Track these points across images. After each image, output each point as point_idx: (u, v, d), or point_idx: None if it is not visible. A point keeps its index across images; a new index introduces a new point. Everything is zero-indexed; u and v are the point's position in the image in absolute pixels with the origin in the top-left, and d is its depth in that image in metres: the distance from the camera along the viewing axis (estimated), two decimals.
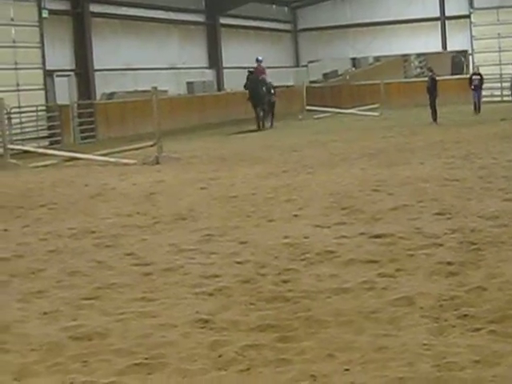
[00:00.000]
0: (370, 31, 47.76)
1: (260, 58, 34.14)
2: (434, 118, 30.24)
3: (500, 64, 43.94)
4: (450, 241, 9.05)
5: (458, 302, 6.66)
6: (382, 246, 8.98)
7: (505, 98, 42.25)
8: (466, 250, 8.58)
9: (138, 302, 7.22)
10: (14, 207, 13.80)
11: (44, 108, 29.28)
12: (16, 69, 27.84)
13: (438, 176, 14.65)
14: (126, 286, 7.83)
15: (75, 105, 30.87)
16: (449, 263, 7.98)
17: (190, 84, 38.83)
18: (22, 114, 27.92)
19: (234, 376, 5.30)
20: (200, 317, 6.58)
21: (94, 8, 32.81)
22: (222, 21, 41.98)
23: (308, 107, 39.03)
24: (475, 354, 5.40)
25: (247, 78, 32.57)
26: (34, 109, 28.43)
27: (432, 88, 30.47)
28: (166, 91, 34.86)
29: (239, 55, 41.60)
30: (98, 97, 32.63)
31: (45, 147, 26.00)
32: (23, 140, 26.89)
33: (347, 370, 5.26)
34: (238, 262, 8.60)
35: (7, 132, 23.67)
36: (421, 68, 54.98)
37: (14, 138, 26.12)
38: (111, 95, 33.72)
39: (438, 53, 47.36)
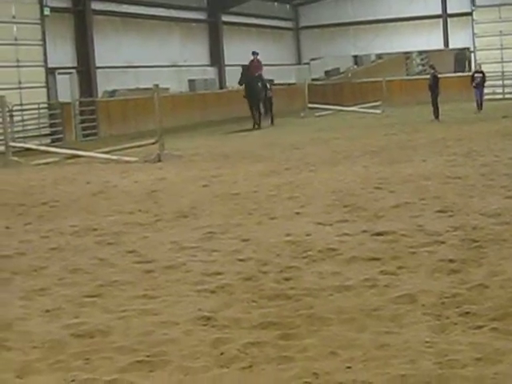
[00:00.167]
0: (372, 29, 47.74)
1: (257, 51, 33.84)
2: (436, 116, 30.23)
3: (502, 62, 43.90)
4: (451, 238, 9.05)
5: (460, 299, 6.66)
6: (384, 244, 8.98)
7: (507, 96, 42.28)
8: (468, 247, 8.58)
9: (139, 299, 7.22)
10: (16, 205, 13.80)
11: (46, 106, 29.29)
12: (18, 66, 27.83)
13: (439, 173, 14.64)
14: (127, 283, 7.83)
15: (77, 102, 30.89)
16: (451, 261, 7.98)
17: (191, 82, 38.82)
18: (24, 112, 27.93)
19: (236, 373, 5.29)
20: (202, 314, 6.58)
21: (96, 6, 32.80)
22: (224, 18, 41.97)
23: (310, 105, 38.99)
24: (477, 351, 5.40)
25: (241, 74, 32.43)
26: (36, 106, 28.43)
27: (434, 85, 30.45)
28: (167, 89, 34.86)
29: (241, 53, 41.44)
30: (99, 94, 32.62)
31: (47, 145, 26.01)
32: (25, 138, 26.89)
33: (349, 367, 5.26)
34: (240, 260, 8.60)
35: (9, 130, 23.65)
36: (423, 65, 55.01)
37: (16, 136, 26.11)
38: (113, 93, 33.71)
39: (440, 50, 47.35)
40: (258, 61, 33.29)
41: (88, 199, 14.14)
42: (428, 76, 32.42)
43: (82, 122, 30.75)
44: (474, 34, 44.85)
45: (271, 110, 33.72)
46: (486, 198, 11.74)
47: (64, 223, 11.52)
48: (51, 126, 29.40)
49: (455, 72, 46.53)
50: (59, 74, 30.64)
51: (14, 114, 26.67)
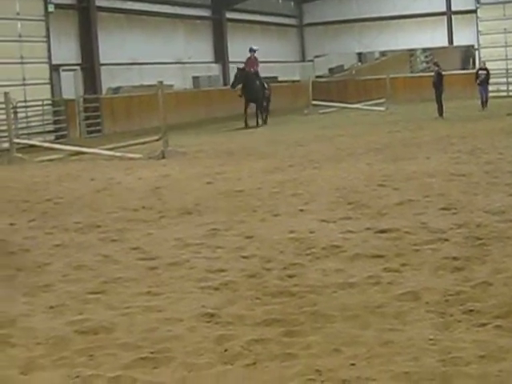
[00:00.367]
0: (376, 26, 47.72)
1: (255, 47, 33.52)
2: (440, 113, 30.21)
3: (506, 59, 43.87)
4: (455, 236, 9.05)
5: (464, 297, 6.65)
6: (388, 241, 8.98)
7: (511, 93, 42.23)
8: (472, 245, 8.57)
9: (143, 296, 7.23)
10: (20, 201, 13.82)
11: (50, 102, 29.29)
12: (22, 63, 27.85)
13: (443, 171, 14.63)
14: (131, 280, 7.84)
15: (81, 99, 30.89)
16: (454, 258, 7.97)
17: (195, 78, 38.85)
18: (28, 109, 27.95)
19: (239, 370, 5.30)
20: (206, 311, 6.58)
21: (100, 2, 32.81)
22: (228, 15, 41.99)
23: (314, 102, 38.97)
24: (481, 349, 5.40)
25: (235, 77, 32.10)
26: (40, 103, 28.45)
27: (438, 83, 30.43)
28: (171, 86, 34.86)
29: (245, 50, 41.37)
30: (103, 91, 32.65)
31: (51, 141, 26.00)
32: (29, 134, 26.90)
33: (353, 364, 5.26)
34: (244, 257, 8.60)
35: (13, 126, 23.69)
36: (427, 63, 54.92)
37: (20, 133, 26.14)
38: (117, 89, 33.74)
39: (445, 47, 47.29)
40: (255, 58, 33.07)
41: (92, 196, 14.15)
42: (432, 73, 32.39)
43: (86, 118, 30.75)
44: (478, 31, 44.80)
45: (267, 110, 33.36)
46: (490, 195, 11.73)
47: (68, 220, 11.53)
48: (55, 122, 29.43)
49: (463, 69, 46.43)
50: (63, 70, 30.66)
51: (18, 110, 26.68)
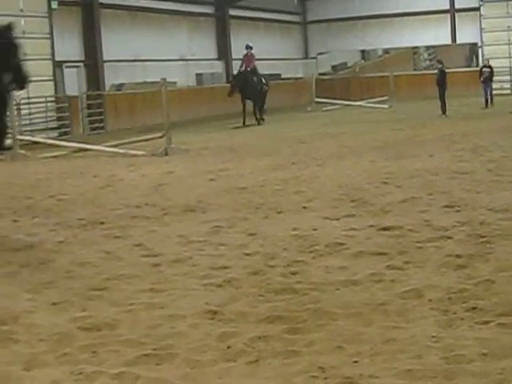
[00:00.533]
0: (380, 23, 47.66)
1: (250, 44, 33.42)
2: (444, 111, 30.17)
3: (510, 57, 43.83)
4: (458, 233, 9.04)
5: (467, 294, 6.65)
6: (391, 239, 8.98)
7: None
8: (475, 242, 8.56)
9: (146, 292, 7.23)
10: (24, 198, 13.84)
11: (53, 99, 29.29)
12: (25, 60, 27.74)
13: (447, 169, 14.62)
14: (134, 276, 7.84)
15: (84, 96, 30.89)
16: (457, 256, 7.97)
17: (199, 75, 38.82)
18: (32, 105, 27.93)
19: (242, 367, 5.30)
20: (209, 308, 6.58)
21: None
22: (232, 12, 41.94)
23: (317, 99, 38.97)
24: (483, 346, 5.39)
25: (231, 85, 32.00)
26: (44, 100, 28.43)
27: (441, 80, 30.40)
28: (175, 83, 34.87)
29: None
30: (107, 88, 32.63)
31: (54, 138, 26.05)
32: (32, 131, 26.91)
33: (356, 361, 5.26)
34: (247, 254, 8.61)
35: (16, 123, 23.68)
36: (430, 60, 54.84)
37: (24, 129, 26.15)
38: (120, 86, 33.72)
39: (448, 45, 47.24)
40: (252, 54, 32.99)
41: (95, 193, 14.16)
42: (435, 71, 32.36)
43: (90, 115, 30.75)
44: (481, 29, 44.75)
45: (263, 106, 33.10)
46: (493, 193, 11.72)
47: (71, 216, 11.54)
48: (58, 119, 29.41)
49: (466, 67, 46.36)
50: (67, 67, 30.66)
51: (22, 107, 26.68)
